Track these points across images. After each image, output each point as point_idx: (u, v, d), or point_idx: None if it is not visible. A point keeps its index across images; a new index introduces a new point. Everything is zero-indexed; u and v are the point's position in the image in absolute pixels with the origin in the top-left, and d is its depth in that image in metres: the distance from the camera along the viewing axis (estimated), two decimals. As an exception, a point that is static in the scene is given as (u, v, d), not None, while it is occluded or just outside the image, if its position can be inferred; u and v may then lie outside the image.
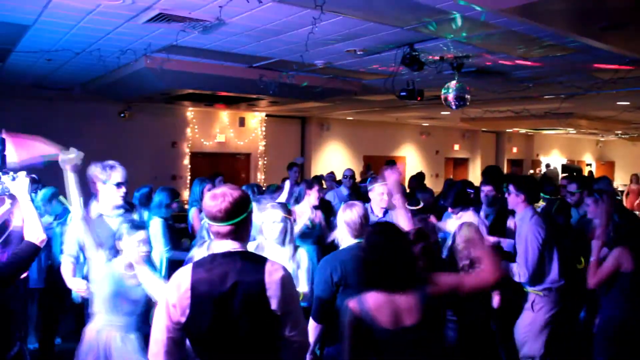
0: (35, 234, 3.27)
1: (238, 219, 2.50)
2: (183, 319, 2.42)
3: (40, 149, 3.95)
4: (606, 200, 4.86)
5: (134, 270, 3.72)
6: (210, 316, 2.40)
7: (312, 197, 5.84)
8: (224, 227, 2.50)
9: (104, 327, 3.72)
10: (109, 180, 4.28)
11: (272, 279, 2.46)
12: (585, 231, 5.70)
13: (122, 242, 3.76)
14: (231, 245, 2.53)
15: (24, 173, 3.38)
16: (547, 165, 20.13)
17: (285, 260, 3.93)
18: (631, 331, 4.25)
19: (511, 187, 4.95)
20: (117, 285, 3.72)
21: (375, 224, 3.05)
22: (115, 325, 3.72)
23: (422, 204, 5.73)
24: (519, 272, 4.68)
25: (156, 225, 5.44)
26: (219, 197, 2.50)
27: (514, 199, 4.93)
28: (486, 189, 6.00)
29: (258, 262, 2.54)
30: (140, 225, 3.86)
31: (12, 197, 3.50)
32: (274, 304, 2.44)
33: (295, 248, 4.16)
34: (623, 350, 4.26)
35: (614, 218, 4.39)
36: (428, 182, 12.70)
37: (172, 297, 2.45)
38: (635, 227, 4.41)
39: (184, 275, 2.48)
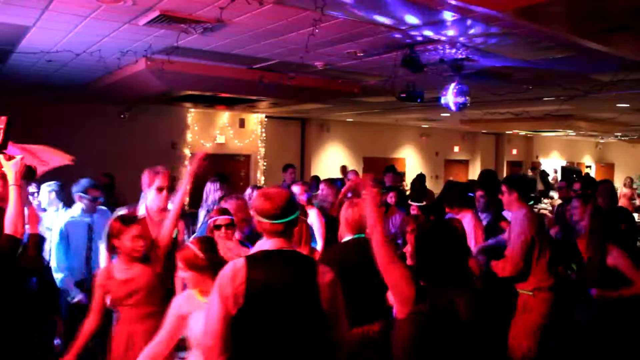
0: (15, 226, 3.11)
1: (292, 217, 2.61)
2: (234, 311, 2.47)
3: (49, 160, 3.96)
4: (592, 204, 4.96)
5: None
6: (263, 311, 2.47)
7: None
8: (277, 225, 2.58)
9: (124, 323, 3.72)
10: (154, 185, 4.37)
11: (324, 280, 2.56)
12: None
13: (116, 239, 3.70)
14: (282, 244, 2.61)
15: (20, 156, 3.25)
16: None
17: None
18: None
19: (503, 187, 5.01)
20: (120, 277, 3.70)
21: (425, 222, 3.10)
22: (136, 319, 3.71)
23: (424, 202, 5.81)
24: (504, 266, 4.72)
25: None
26: (273, 195, 2.62)
27: (507, 198, 5.00)
28: (477, 193, 6.08)
29: (310, 263, 2.65)
30: (131, 221, 3.75)
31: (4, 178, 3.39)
32: (325, 304, 2.54)
33: (311, 249, 4.23)
34: None
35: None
36: (428, 184, 12.70)
37: (227, 288, 2.49)
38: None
39: (239, 268, 2.52)
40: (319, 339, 2.57)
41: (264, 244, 2.64)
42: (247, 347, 2.50)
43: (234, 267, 2.55)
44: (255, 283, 2.47)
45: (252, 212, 2.70)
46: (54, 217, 5.75)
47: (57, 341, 6.04)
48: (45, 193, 5.95)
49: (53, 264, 5.22)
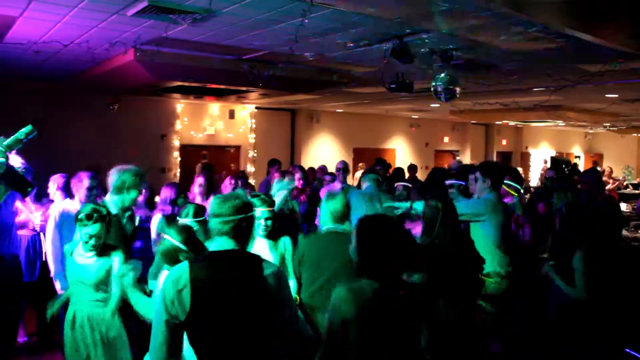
0: None
1: (239, 216, 2.58)
2: (183, 316, 2.44)
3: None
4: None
5: (92, 254, 3.85)
6: (211, 312, 2.43)
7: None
8: (224, 223, 2.57)
9: (80, 307, 3.85)
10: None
11: (269, 276, 2.53)
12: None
13: (80, 227, 3.80)
14: (229, 244, 2.58)
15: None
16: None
17: (266, 251, 4.15)
18: (585, 314, 4.30)
19: (477, 174, 5.10)
20: (79, 270, 3.85)
21: (365, 217, 3.08)
22: (83, 303, 3.84)
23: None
24: None
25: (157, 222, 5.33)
26: (225, 197, 2.63)
27: (480, 185, 5.10)
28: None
29: (254, 260, 2.60)
30: (97, 219, 3.80)
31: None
32: (272, 302, 2.51)
33: (277, 238, 4.30)
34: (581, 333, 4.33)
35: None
36: (418, 174, 12.74)
37: (170, 293, 2.46)
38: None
39: (182, 272, 2.49)
40: (270, 336, 2.56)
41: (213, 244, 2.63)
42: (200, 351, 2.48)
43: (176, 271, 2.53)
44: (199, 285, 2.44)
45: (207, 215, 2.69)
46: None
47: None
48: (54, 184, 5.90)
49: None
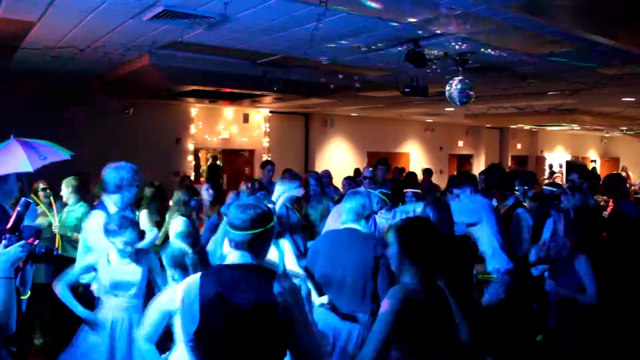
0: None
1: (256, 230, 2.51)
2: (193, 328, 2.42)
3: (49, 154, 3.95)
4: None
5: (127, 258, 3.86)
6: (220, 326, 2.41)
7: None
8: (242, 236, 2.51)
9: (109, 311, 3.87)
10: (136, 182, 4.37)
11: (283, 291, 2.46)
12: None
13: (113, 236, 3.81)
14: (244, 258, 2.53)
15: (23, 242, 2.89)
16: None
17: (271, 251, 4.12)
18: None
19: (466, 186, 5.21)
20: (113, 273, 3.85)
21: (410, 218, 3.13)
22: (119, 308, 3.86)
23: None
24: None
25: (178, 224, 5.15)
26: (244, 207, 2.55)
27: (468, 193, 5.18)
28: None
29: (267, 274, 2.54)
30: (128, 226, 3.83)
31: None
32: (284, 316, 2.44)
33: (277, 239, 4.34)
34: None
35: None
36: (432, 178, 12.69)
37: (182, 306, 2.47)
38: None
39: (192, 286, 2.48)
40: (281, 350, 2.52)
41: (228, 257, 2.59)
42: None
43: (188, 283, 2.51)
44: (208, 299, 2.42)
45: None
46: (75, 212, 5.80)
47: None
48: (67, 187, 5.93)
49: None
